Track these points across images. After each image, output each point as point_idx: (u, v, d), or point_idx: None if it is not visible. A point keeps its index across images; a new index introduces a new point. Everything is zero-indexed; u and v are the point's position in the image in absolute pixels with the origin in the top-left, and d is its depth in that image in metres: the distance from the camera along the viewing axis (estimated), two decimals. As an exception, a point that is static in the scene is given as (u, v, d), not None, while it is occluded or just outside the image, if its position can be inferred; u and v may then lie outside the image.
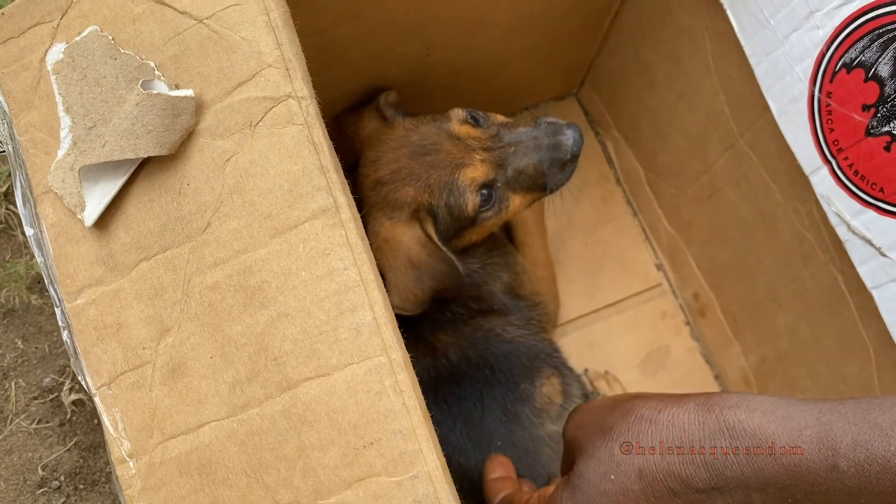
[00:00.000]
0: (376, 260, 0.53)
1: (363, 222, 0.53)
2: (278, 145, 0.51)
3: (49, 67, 0.54)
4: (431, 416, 0.51)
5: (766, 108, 0.74)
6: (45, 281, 0.55)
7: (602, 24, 1.03)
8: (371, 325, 0.49)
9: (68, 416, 1.16)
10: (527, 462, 0.87)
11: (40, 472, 1.14)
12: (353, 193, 0.54)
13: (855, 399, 0.46)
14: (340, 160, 0.53)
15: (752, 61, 0.74)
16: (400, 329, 0.52)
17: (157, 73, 0.52)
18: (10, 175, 1.20)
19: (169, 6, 0.53)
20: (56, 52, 0.54)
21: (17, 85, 0.55)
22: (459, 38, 0.88)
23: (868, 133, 0.65)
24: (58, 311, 0.54)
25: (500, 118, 0.87)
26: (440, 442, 0.51)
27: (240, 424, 0.50)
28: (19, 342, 1.18)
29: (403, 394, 0.48)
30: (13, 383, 1.16)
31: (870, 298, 0.70)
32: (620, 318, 1.19)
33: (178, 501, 0.51)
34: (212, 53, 0.52)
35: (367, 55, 0.83)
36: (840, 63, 0.66)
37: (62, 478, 1.14)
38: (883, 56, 0.62)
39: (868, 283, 0.69)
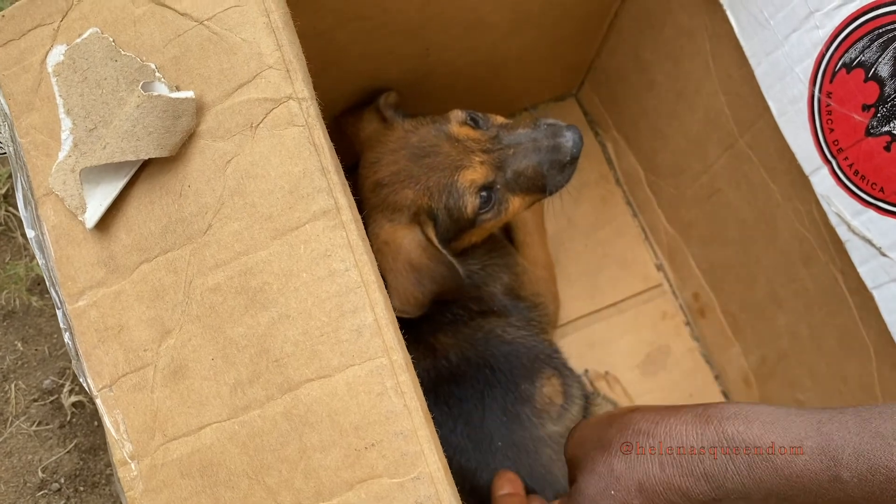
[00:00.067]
0: (376, 262, 0.53)
1: (363, 224, 0.53)
2: (279, 147, 0.51)
3: (50, 69, 0.54)
4: (432, 418, 0.51)
5: (766, 108, 0.74)
6: (47, 283, 0.55)
7: (601, 25, 1.03)
8: (372, 327, 0.49)
9: (68, 418, 1.16)
10: (527, 462, 0.87)
11: (40, 474, 1.13)
12: (353, 194, 0.54)
13: (855, 408, 0.46)
14: (341, 161, 0.53)
15: (752, 62, 0.74)
16: (400, 330, 0.52)
17: (157, 74, 0.52)
18: (9, 177, 1.20)
19: (169, 8, 0.53)
20: (57, 54, 0.54)
21: (18, 87, 0.55)
22: (459, 38, 0.88)
23: (868, 133, 0.65)
24: (59, 313, 0.54)
25: (500, 120, 0.87)
26: (441, 443, 0.51)
27: (241, 426, 0.50)
28: (19, 344, 1.18)
29: (405, 395, 0.48)
30: (13, 385, 1.16)
31: (870, 298, 0.70)
32: (620, 318, 1.19)
33: (180, 503, 0.51)
34: (212, 55, 0.52)
35: (366, 56, 0.83)
36: (840, 63, 0.66)
37: (62, 480, 1.13)
38: (883, 56, 0.62)
39: (869, 283, 0.69)
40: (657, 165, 1.11)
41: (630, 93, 1.09)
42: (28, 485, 1.13)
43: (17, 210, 1.20)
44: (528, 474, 0.87)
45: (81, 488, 1.13)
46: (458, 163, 0.80)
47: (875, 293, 0.69)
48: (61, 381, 1.17)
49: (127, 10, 0.53)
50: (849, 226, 0.69)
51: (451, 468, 0.51)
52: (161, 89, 0.52)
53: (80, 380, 0.53)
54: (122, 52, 0.53)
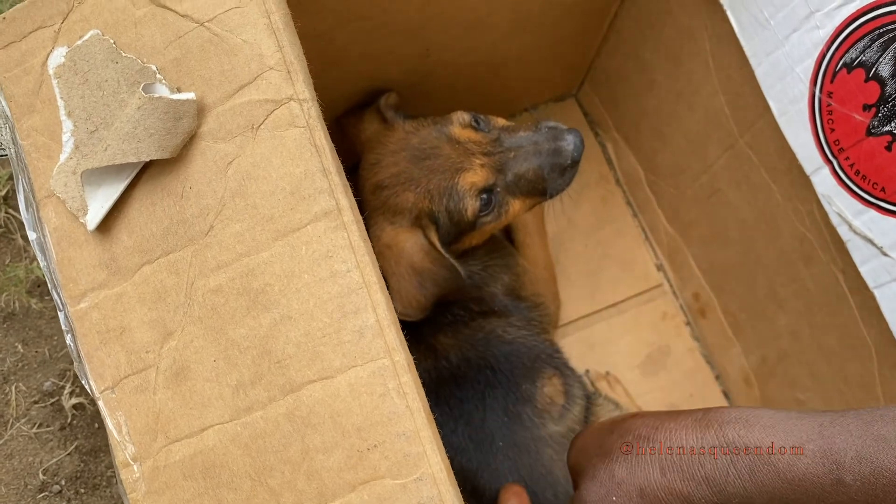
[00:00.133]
0: (378, 265, 0.53)
1: (365, 225, 0.53)
2: (280, 148, 0.51)
3: (51, 71, 0.54)
4: (433, 419, 0.51)
5: (766, 108, 0.75)
6: (48, 285, 0.55)
7: (601, 25, 1.04)
8: (374, 328, 0.49)
9: (69, 420, 1.16)
10: (528, 462, 0.87)
11: (41, 476, 1.13)
12: (354, 195, 0.54)
13: (856, 410, 0.46)
14: (342, 162, 0.53)
15: (753, 62, 0.74)
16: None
17: (158, 76, 0.52)
18: (9, 178, 1.20)
19: (170, 9, 0.53)
20: (58, 56, 0.54)
21: (19, 89, 0.55)
22: (459, 39, 0.88)
23: (869, 133, 0.65)
24: (61, 315, 0.54)
25: (501, 122, 0.87)
26: (442, 444, 0.51)
27: (243, 427, 0.50)
28: (19, 346, 1.18)
29: (407, 396, 0.48)
30: (13, 387, 1.16)
31: (871, 298, 0.70)
32: (621, 318, 1.19)
33: (182, 505, 0.51)
34: (213, 56, 0.52)
35: (367, 56, 0.83)
36: (840, 63, 0.66)
37: (63, 482, 1.13)
38: (883, 56, 0.62)
39: (870, 283, 0.69)
40: (657, 166, 1.11)
41: (630, 93, 1.09)
42: (29, 487, 1.13)
43: (18, 212, 1.20)
44: (529, 474, 0.87)
45: (82, 490, 1.13)
46: (458, 165, 0.80)
47: (876, 293, 0.69)
48: (62, 383, 1.17)
49: (128, 11, 0.53)
50: (850, 225, 0.69)
51: (452, 469, 0.51)
52: (162, 91, 0.52)
53: (82, 382, 0.53)
54: (123, 54, 0.53)
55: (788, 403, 0.98)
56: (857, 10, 0.63)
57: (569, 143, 0.82)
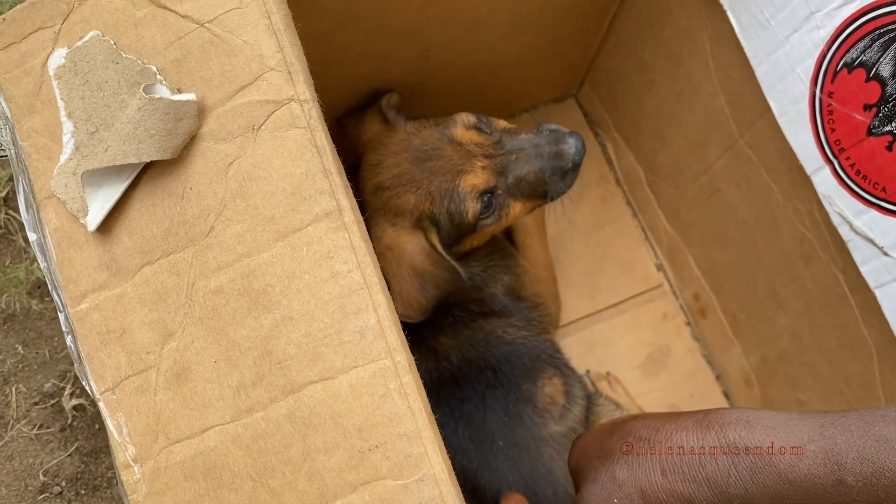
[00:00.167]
0: (379, 266, 0.53)
1: (365, 226, 0.53)
2: (281, 149, 0.51)
3: (51, 72, 0.54)
4: (434, 419, 0.51)
5: (766, 108, 0.75)
6: (49, 286, 0.54)
7: (601, 26, 1.04)
8: (375, 328, 0.49)
9: (69, 422, 1.16)
10: (528, 462, 0.87)
11: (41, 477, 1.13)
12: (355, 196, 0.54)
13: (857, 411, 0.46)
14: (343, 163, 0.53)
15: (753, 62, 0.74)
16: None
17: (158, 77, 0.52)
18: (9, 179, 1.20)
19: (170, 10, 0.53)
20: (58, 57, 0.54)
21: (19, 90, 0.55)
22: (459, 40, 0.88)
23: (870, 133, 0.65)
24: (61, 317, 0.54)
25: (503, 124, 0.87)
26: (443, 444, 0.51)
27: (244, 428, 0.50)
28: (20, 347, 1.18)
29: (408, 397, 0.48)
30: (14, 389, 1.16)
31: (872, 298, 0.70)
32: (621, 319, 1.19)
33: (183, 506, 0.51)
34: (213, 57, 0.52)
35: (367, 57, 0.83)
36: (841, 63, 0.66)
37: (63, 483, 1.13)
38: (884, 56, 0.63)
39: (871, 283, 0.69)
40: (657, 166, 1.11)
41: (630, 93, 1.09)
42: (29, 488, 1.13)
43: (18, 213, 1.20)
44: (530, 474, 0.87)
45: (83, 492, 1.13)
46: (459, 167, 0.80)
47: (878, 293, 0.69)
48: (62, 385, 1.17)
49: (128, 12, 0.53)
50: (851, 225, 0.69)
51: (452, 469, 0.51)
52: (162, 92, 0.52)
53: (83, 383, 0.53)
54: (124, 55, 0.53)
55: (789, 404, 0.98)
56: (858, 11, 0.63)
57: (570, 146, 0.82)
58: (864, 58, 0.64)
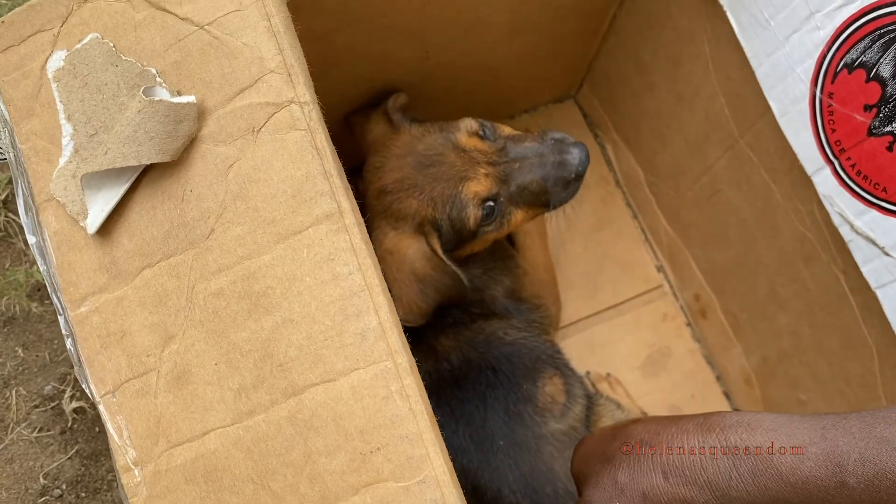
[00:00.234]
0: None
1: (367, 228, 0.53)
2: (281, 151, 0.51)
3: (50, 75, 0.54)
4: (436, 421, 0.51)
5: (766, 109, 0.75)
6: (49, 289, 0.54)
7: (600, 27, 1.04)
8: (376, 330, 0.49)
9: (69, 425, 1.15)
10: (528, 460, 0.87)
11: (42, 480, 1.13)
12: (356, 197, 0.54)
13: (858, 412, 0.46)
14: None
15: (753, 63, 0.74)
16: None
17: (158, 79, 0.52)
18: (8, 182, 1.20)
19: (170, 13, 0.53)
20: (57, 60, 0.54)
21: (18, 93, 0.55)
22: (458, 41, 0.88)
23: (870, 133, 0.65)
24: (61, 320, 0.54)
25: (508, 131, 0.87)
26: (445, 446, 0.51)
27: (245, 431, 0.50)
28: (20, 350, 1.18)
29: (410, 398, 0.48)
30: (14, 392, 1.16)
31: (872, 298, 0.70)
32: (621, 320, 1.19)
33: (184, 509, 0.50)
34: (213, 59, 0.52)
35: (367, 58, 0.83)
36: (841, 64, 0.66)
37: (64, 486, 1.13)
38: (884, 56, 0.62)
39: (872, 283, 0.69)
40: (657, 167, 1.11)
41: (629, 94, 1.09)
42: (29, 491, 1.13)
43: (17, 216, 1.20)
44: (530, 472, 0.87)
45: (83, 494, 1.13)
46: (462, 174, 0.80)
47: (879, 293, 0.69)
48: (62, 387, 1.17)
49: (127, 15, 0.53)
50: (852, 226, 0.69)
51: (454, 470, 0.51)
52: (162, 94, 0.52)
53: (83, 386, 0.53)
54: (123, 58, 0.52)
55: (790, 404, 0.98)
56: (858, 11, 0.63)
57: (574, 156, 0.82)
58: (865, 58, 0.64)
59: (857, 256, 0.70)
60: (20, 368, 1.17)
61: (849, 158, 0.67)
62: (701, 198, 1.02)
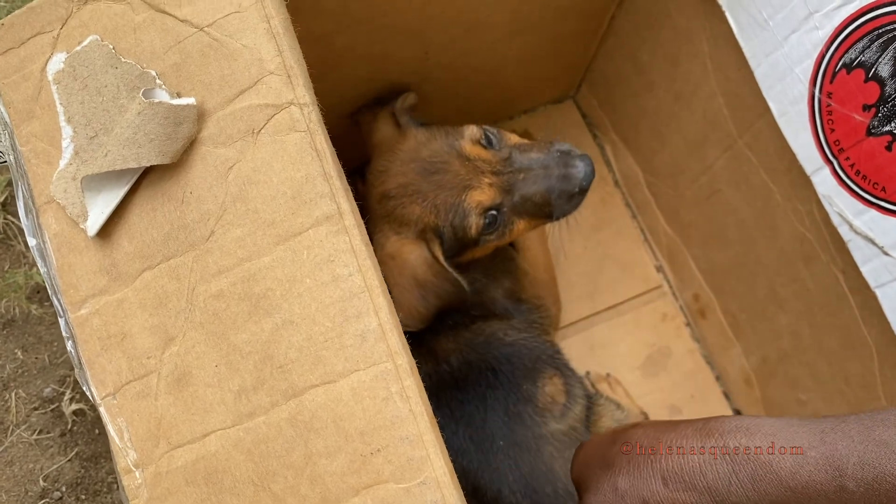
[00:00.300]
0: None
1: (368, 230, 0.53)
2: (281, 152, 0.51)
3: (50, 77, 0.54)
4: (436, 422, 0.51)
5: (765, 109, 0.75)
6: (49, 291, 0.54)
7: (599, 27, 1.04)
8: (376, 332, 0.49)
9: (69, 427, 1.15)
10: (528, 461, 0.87)
11: (41, 483, 1.13)
12: (356, 198, 0.54)
13: (857, 415, 0.46)
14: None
15: (752, 63, 0.74)
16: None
17: (158, 81, 0.52)
18: (8, 185, 1.20)
19: (169, 15, 0.53)
20: (57, 62, 0.54)
21: (18, 95, 0.55)
22: (457, 41, 0.88)
23: (869, 133, 0.65)
24: (61, 322, 0.54)
25: (515, 139, 0.86)
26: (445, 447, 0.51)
27: (246, 433, 0.50)
28: (19, 353, 1.18)
29: (410, 400, 0.48)
30: (13, 394, 1.16)
31: (872, 298, 0.70)
32: (621, 320, 1.19)
33: (185, 511, 0.50)
34: (213, 61, 0.52)
35: (366, 59, 0.83)
36: (840, 63, 0.66)
37: (64, 488, 1.13)
38: (883, 56, 0.63)
39: (871, 283, 0.69)
40: (656, 167, 1.11)
41: (628, 94, 1.09)
42: (29, 494, 1.13)
43: (17, 218, 1.20)
44: (530, 472, 0.87)
45: (83, 497, 1.13)
46: (466, 183, 0.80)
47: (878, 292, 0.69)
48: (62, 390, 1.17)
49: (127, 17, 0.53)
50: (851, 225, 0.69)
51: (454, 471, 0.51)
52: (162, 96, 0.52)
53: (84, 388, 0.53)
54: (123, 60, 0.52)
55: (789, 404, 0.98)
56: (857, 11, 0.63)
57: (579, 170, 0.81)
58: (863, 58, 0.64)
59: (857, 256, 0.70)
60: (20, 371, 1.17)
61: (848, 158, 0.67)
62: (700, 198, 1.02)
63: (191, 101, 0.51)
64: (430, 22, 0.81)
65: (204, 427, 0.51)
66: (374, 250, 0.52)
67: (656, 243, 1.20)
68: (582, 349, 1.17)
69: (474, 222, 0.80)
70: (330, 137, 0.52)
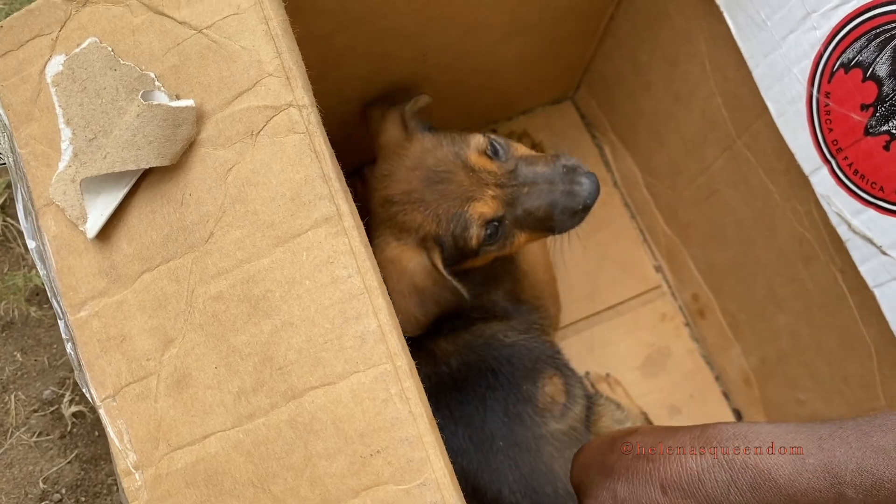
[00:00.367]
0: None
1: (368, 232, 0.53)
2: (280, 154, 0.51)
3: (49, 79, 0.54)
4: (436, 423, 0.51)
5: (764, 109, 0.75)
6: (48, 293, 0.54)
7: (598, 28, 1.04)
8: (376, 333, 0.49)
9: (69, 429, 1.15)
10: (528, 461, 0.87)
11: (41, 485, 1.13)
12: (355, 200, 0.54)
13: (855, 420, 0.46)
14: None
15: (750, 63, 0.74)
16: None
17: (157, 83, 0.52)
18: (7, 187, 1.20)
19: (168, 17, 0.53)
20: (55, 65, 0.54)
21: (17, 97, 0.55)
22: (456, 42, 0.88)
23: (867, 132, 0.65)
24: (61, 324, 0.54)
25: (522, 150, 0.85)
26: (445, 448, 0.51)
27: (246, 434, 0.50)
28: (18, 355, 1.18)
29: (409, 401, 0.48)
30: (13, 396, 1.16)
31: (870, 297, 0.70)
32: (620, 320, 1.19)
33: (185, 513, 0.50)
34: (212, 63, 0.52)
35: (365, 60, 0.83)
36: (838, 63, 0.66)
37: (63, 490, 1.13)
38: (880, 56, 0.63)
39: (870, 282, 0.69)
40: (654, 167, 1.11)
41: (627, 95, 1.09)
42: (29, 496, 1.13)
43: (16, 220, 1.20)
44: (530, 472, 0.87)
45: (83, 499, 1.13)
46: (469, 194, 0.79)
47: (876, 292, 0.69)
48: (61, 392, 1.17)
49: (125, 19, 0.53)
50: (849, 225, 0.69)
51: (454, 472, 0.51)
52: (161, 98, 0.52)
53: (83, 390, 0.53)
54: (122, 62, 0.52)
55: (789, 404, 0.98)
56: (854, 11, 0.64)
57: (584, 187, 0.80)
58: (861, 58, 0.64)
59: (855, 255, 0.70)
60: (19, 373, 1.17)
61: (846, 158, 0.67)
62: (699, 198, 1.02)
63: (190, 102, 0.51)
64: (429, 23, 0.81)
65: (204, 429, 0.51)
66: (374, 254, 0.52)
67: (655, 243, 1.20)
68: (581, 349, 1.17)
69: (475, 233, 0.80)
70: (329, 139, 0.52)
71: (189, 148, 0.52)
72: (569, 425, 0.92)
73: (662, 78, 0.97)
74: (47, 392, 1.16)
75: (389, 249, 0.81)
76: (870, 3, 0.62)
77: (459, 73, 0.97)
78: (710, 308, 1.10)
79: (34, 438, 1.15)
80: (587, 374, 1.13)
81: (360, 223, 0.52)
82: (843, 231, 0.70)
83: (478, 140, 0.82)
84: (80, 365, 0.53)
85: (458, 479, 0.51)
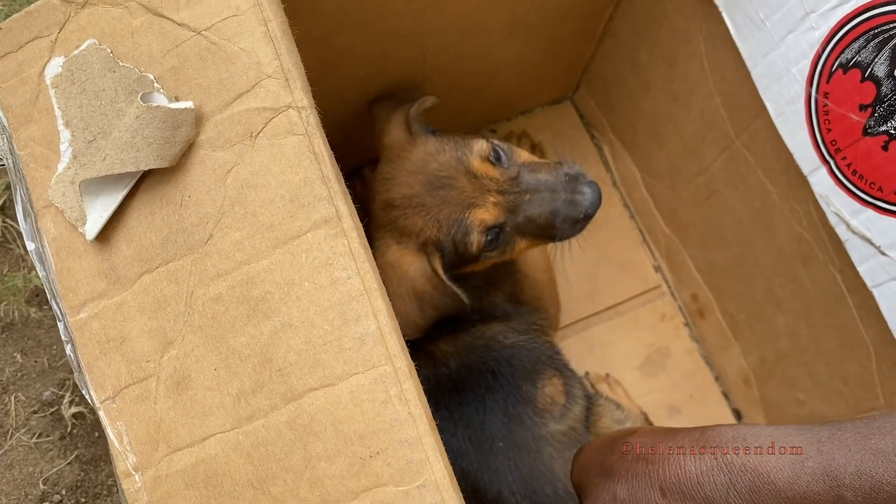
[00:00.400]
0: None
1: (368, 234, 0.53)
2: (279, 156, 0.51)
3: (48, 81, 0.54)
4: (435, 425, 0.51)
5: (762, 109, 0.75)
6: (48, 295, 0.54)
7: (597, 28, 1.04)
8: (375, 334, 0.49)
9: (69, 430, 1.15)
10: (528, 462, 0.87)
11: (41, 486, 1.13)
12: (354, 201, 0.54)
13: (853, 422, 0.46)
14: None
15: (749, 63, 0.74)
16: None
17: (156, 85, 0.52)
18: (6, 188, 1.20)
19: (167, 18, 0.53)
20: (55, 66, 0.54)
21: (16, 99, 0.55)
22: (455, 43, 0.88)
23: (865, 132, 0.65)
24: (60, 326, 0.54)
25: (525, 157, 0.85)
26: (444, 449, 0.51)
27: (245, 436, 0.50)
28: (18, 356, 1.18)
29: (409, 403, 0.48)
30: (13, 397, 1.16)
31: (869, 297, 0.70)
32: (620, 320, 1.19)
33: (185, 514, 0.51)
34: (211, 65, 0.52)
35: (364, 61, 0.83)
36: (836, 63, 0.66)
37: (63, 492, 1.13)
38: (879, 56, 0.63)
39: (868, 282, 0.69)
40: (654, 167, 1.11)
41: (626, 95, 1.09)
42: (29, 497, 1.13)
43: (15, 222, 1.20)
44: (530, 473, 0.87)
45: (83, 500, 1.13)
46: (471, 200, 0.79)
47: (875, 292, 0.69)
48: (61, 393, 1.17)
49: (125, 21, 0.53)
50: (848, 225, 0.69)
51: (453, 473, 0.51)
52: (160, 100, 0.52)
53: (83, 392, 0.53)
54: (121, 63, 0.53)
55: (788, 404, 0.98)
56: (853, 11, 0.64)
57: (586, 196, 0.80)
58: (859, 58, 0.64)
59: (854, 256, 0.70)
60: (19, 374, 1.17)
61: (844, 158, 0.67)
62: (698, 198, 1.02)
63: (189, 104, 0.51)
64: (428, 24, 0.81)
65: (203, 430, 0.51)
66: (374, 257, 0.52)
67: (654, 243, 1.20)
68: (581, 349, 1.17)
69: (476, 239, 0.79)
70: (328, 140, 0.52)
71: (188, 150, 0.52)
72: (568, 426, 0.92)
73: (661, 78, 0.97)
74: (47, 393, 1.16)
75: (390, 253, 0.81)
76: (868, 3, 0.62)
77: (459, 73, 0.97)
78: (710, 308, 1.10)
79: (34, 439, 1.15)
80: (587, 374, 1.13)
81: (360, 225, 0.52)
82: (841, 231, 0.70)
83: (481, 145, 0.82)
84: (79, 366, 0.53)
85: (458, 480, 0.51)
